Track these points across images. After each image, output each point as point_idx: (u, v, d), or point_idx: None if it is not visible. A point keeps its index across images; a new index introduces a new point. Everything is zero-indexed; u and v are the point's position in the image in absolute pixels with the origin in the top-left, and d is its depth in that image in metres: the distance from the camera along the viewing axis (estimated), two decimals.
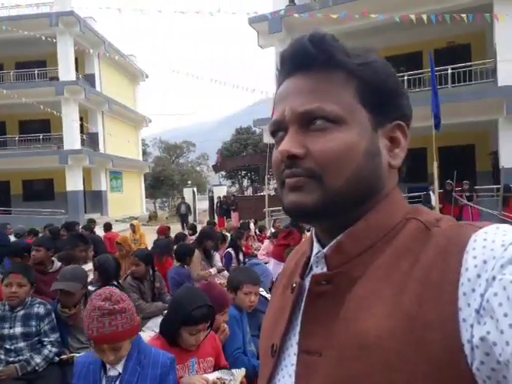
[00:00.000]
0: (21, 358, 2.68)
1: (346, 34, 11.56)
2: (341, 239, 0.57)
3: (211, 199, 22.13)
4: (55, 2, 19.29)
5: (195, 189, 24.39)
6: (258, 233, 9.48)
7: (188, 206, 18.90)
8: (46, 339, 2.76)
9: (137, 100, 28.43)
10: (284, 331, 0.60)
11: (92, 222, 8.52)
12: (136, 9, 12.39)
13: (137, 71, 27.33)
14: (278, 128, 0.59)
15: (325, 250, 0.58)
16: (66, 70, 19.34)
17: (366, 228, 0.56)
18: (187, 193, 22.71)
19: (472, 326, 0.44)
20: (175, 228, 12.06)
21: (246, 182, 36.33)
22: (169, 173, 34.98)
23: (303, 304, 0.58)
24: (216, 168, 25.90)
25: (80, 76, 20.70)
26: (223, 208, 17.02)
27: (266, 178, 13.81)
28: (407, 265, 0.51)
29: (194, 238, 6.47)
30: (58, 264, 3.86)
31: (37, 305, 2.81)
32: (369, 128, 0.57)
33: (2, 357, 2.69)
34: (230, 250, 5.80)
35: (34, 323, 2.74)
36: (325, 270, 0.58)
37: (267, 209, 12.34)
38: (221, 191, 21.71)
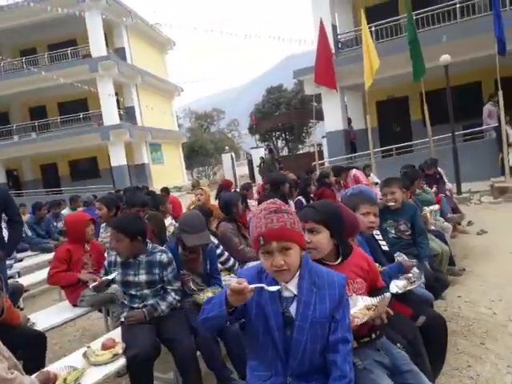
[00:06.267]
0: (146, 303, 2.74)
1: None
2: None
3: (250, 163, 21.93)
4: None
5: (233, 154, 24.21)
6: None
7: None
8: (169, 287, 2.80)
9: (167, 70, 28.03)
10: None
11: (165, 189, 8.55)
12: None
13: (164, 40, 26.91)
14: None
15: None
16: (98, 46, 19.43)
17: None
18: (226, 159, 22.59)
19: None
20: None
21: (280, 143, 35.86)
22: (202, 142, 35.06)
23: None
24: (252, 130, 25.51)
25: (110, 51, 20.66)
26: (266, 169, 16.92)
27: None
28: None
29: None
30: None
31: (159, 253, 2.81)
32: None
33: (126, 302, 2.79)
34: (300, 197, 5.93)
35: (157, 271, 2.76)
36: None
37: (317, 162, 12.01)
38: (259, 154, 21.44)
